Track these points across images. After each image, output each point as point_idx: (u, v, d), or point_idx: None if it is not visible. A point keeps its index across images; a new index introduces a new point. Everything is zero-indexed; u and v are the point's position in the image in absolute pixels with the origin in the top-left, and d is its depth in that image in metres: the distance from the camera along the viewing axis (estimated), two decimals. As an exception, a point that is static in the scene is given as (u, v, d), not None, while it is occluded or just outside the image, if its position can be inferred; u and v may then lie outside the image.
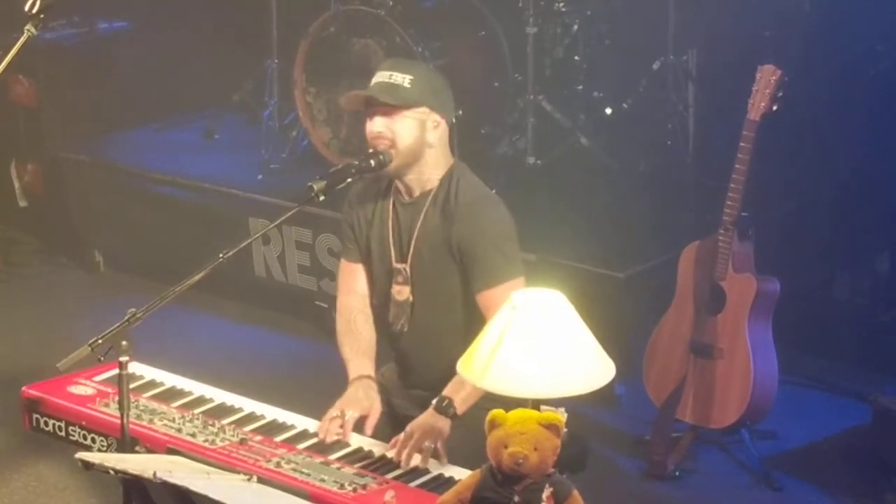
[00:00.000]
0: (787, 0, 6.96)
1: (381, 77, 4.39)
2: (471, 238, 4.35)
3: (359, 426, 4.31)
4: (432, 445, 4.10)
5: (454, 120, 4.52)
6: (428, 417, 4.23)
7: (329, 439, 4.20)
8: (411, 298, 4.48)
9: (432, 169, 4.43)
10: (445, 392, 4.29)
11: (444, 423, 4.21)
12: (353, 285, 4.62)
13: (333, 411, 4.30)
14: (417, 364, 4.53)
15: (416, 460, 4.08)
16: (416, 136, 4.36)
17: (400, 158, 4.37)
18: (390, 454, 4.13)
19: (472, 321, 4.24)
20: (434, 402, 4.27)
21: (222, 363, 6.19)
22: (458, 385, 4.28)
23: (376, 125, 4.37)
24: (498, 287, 4.27)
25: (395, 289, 4.50)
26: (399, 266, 4.48)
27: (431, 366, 4.42)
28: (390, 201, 4.50)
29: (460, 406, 4.26)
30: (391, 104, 4.35)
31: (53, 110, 7.70)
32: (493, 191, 4.61)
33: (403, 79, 4.35)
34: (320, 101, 7.06)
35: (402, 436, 4.16)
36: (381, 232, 4.51)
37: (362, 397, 4.37)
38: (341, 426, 4.24)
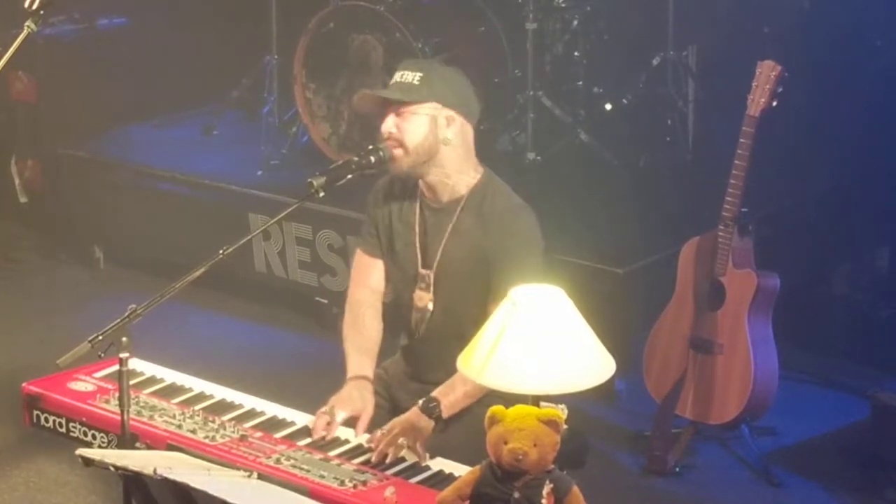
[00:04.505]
0: (786, -4, 6.99)
1: (394, 77, 4.38)
2: (503, 246, 4.31)
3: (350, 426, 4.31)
4: (406, 443, 4.11)
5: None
6: (411, 416, 4.24)
7: (315, 435, 4.20)
8: (431, 306, 4.46)
9: (458, 173, 4.39)
10: (435, 393, 4.30)
11: (427, 424, 4.22)
12: (367, 279, 4.59)
13: (324, 408, 4.31)
14: (428, 364, 4.52)
15: (389, 451, 4.09)
16: (425, 133, 4.32)
17: (412, 157, 4.34)
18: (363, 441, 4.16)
19: None
20: (420, 402, 4.28)
21: (223, 359, 6.19)
22: (449, 388, 4.29)
23: (386, 125, 4.35)
24: None
25: (417, 294, 4.47)
26: (423, 272, 4.46)
27: (442, 366, 4.40)
28: (417, 203, 4.47)
29: (446, 410, 4.27)
30: (398, 100, 4.32)
31: (53, 106, 7.70)
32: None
33: (414, 76, 4.32)
34: (320, 97, 7.06)
35: (380, 431, 4.18)
36: (406, 234, 4.48)
37: (356, 398, 4.36)
38: (329, 423, 4.24)
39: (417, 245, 4.46)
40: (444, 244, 4.41)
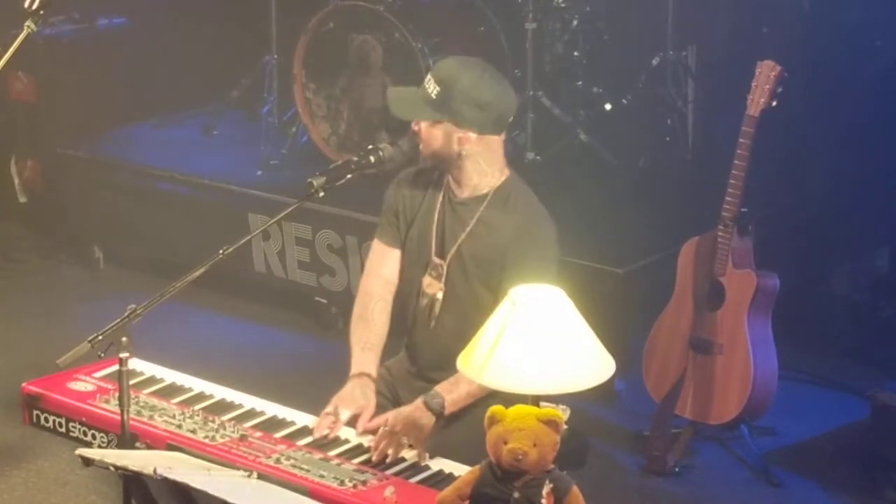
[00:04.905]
0: (786, -5, 6.99)
1: (425, 79, 4.39)
2: (519, 251, 4.32)
3: (352, 424, 4.32)
4: (408, 443, 4.12)
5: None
6: (414, 411, 4.25)
7: (318, 433, 4.21)
8: (440, 295, 4.47)
9: (478, 176, 4.41)
10: (438, 388, 4.30)
11: (429, 420, 4.22)
12: (381, 269, 4.59)
13: (328, 408, 4.32)
14: (431, 358, 4.52)
15: (389, 450, 4.10)
16: (440, 146, 4.36)
17: (428, 159, 4.41)
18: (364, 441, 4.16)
19: None
20: (423, 396, 4.29)
21: (222, 359, 6.19)
22: (453, 385, 4.29)
23: (414, 122, 4.41)
24: None
25: (427, 281, 4.48)
26: (437, 261, 4.47)
27: (445, 362, 4.40)
28: (440, 194, 4.48)
29: (449, 406, 4.27)
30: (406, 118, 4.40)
31: (53, 106, 7.69)
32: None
33: (434, 89, 4.33)
34: (319, 97, 7.06)
35: (382, 424, 4.18)
36: (425, 222, 4.50)
37: (359, 395, 4.37)
38: (333, 423, 4.26)
39: (434, 233, 4.48)
40: (462, 238, 4.43)
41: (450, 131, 4.34)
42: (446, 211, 4.47)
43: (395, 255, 4.58)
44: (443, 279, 4.46)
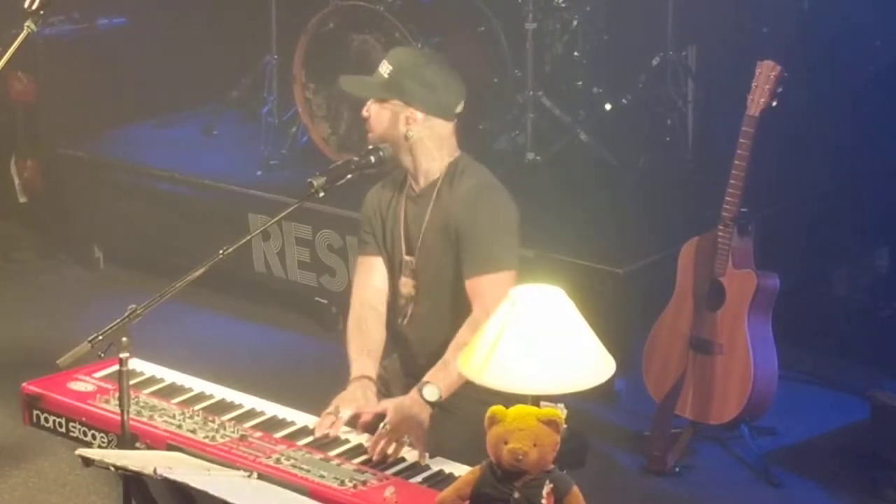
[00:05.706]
0: (786, -4, 6.99)
1: (380, 64, 4.48)
2: (468, 222, 4.38)
3: (353, 424, 4.32)
4: (407, 441, 4.13)
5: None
6: (412, 406, 4.24)
7: (319, 433, 4.21)
8: (414, 292, 4.50)
9: (429, 161, 4.46)
10: (430, 377, 4.30)
11: (426, 413, 4.23)
12: (370, 280, 4.62)
13: (329, 408, 4.33)
14: (419, 353, 4.54)
15: (390, 449, 4.10)
16: (387, 126, 4.42)
17: (376, 143, 4.46)
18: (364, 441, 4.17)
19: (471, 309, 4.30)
20: (417, 387, 4.29)
21: (222, 359, 6.19)
22: (444, 373, 4.29)
23: (365, 107, 4.49)
24: (487, 276, 4.30)
25: (402, 281, 4.53)
26: (407, 259, 4.51)
27: (432, 354, 4.42)
28: (403, 195, 4.55)
29: (446, 392, 4.28)
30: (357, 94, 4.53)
31: (52, 106, 7.70)
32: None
33: (387, 69, 4.43)
34: (319, 97, 7.06)
35: (381, 412, 4.20)
36: (393, 225, 4.55)
37: (360, 397, 4.38)
38: (334, 423, 4.26)
39: (402, 233, 4.53)
40: (424, 228, 4.48)
41: (397, 111, 4.41)
42: (408, 208, 4.53)
43: (379, 262, 4.62)
44: (414, 274, 4.50)
